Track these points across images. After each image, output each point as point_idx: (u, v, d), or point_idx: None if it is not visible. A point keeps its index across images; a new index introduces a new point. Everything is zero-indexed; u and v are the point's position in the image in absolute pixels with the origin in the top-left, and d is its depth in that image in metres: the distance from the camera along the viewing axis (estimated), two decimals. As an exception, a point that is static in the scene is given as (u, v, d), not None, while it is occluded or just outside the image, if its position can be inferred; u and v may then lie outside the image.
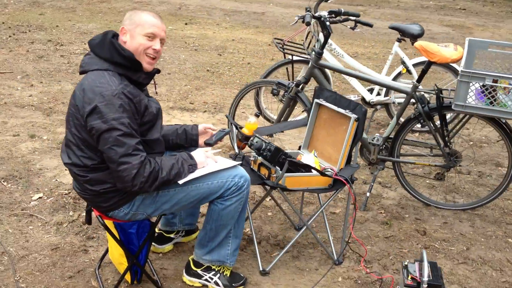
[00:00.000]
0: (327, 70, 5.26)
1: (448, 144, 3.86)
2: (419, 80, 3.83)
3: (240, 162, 2.98)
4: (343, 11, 4.07)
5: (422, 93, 3.99)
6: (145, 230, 2.87)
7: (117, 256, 2.91)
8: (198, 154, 2.82)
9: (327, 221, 3.56)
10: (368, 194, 3.98)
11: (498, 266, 3.38)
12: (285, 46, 4.72)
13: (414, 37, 5.05)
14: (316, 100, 3.43)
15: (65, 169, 4.26)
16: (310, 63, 4.06)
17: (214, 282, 3.00)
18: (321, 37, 4.93)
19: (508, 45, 3.93)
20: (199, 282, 3.03)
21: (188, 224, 3.39)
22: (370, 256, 3.39)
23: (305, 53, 4.58)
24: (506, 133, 3.71)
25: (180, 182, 2.70)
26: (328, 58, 5.24)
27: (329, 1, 5.20)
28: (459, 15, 12.27)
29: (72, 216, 3.65)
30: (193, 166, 2.75)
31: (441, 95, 3.72)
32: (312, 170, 3.09)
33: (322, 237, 3.53)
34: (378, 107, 5.46)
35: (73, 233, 3.46)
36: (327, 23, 3.93)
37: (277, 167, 3.05)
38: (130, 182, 2.54)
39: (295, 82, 4.07)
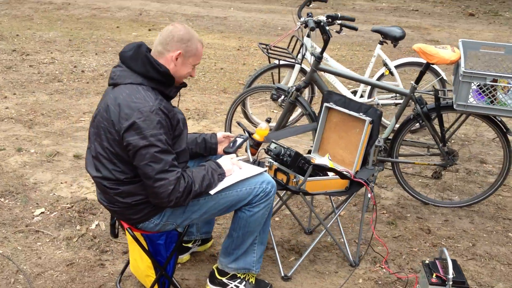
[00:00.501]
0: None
1: (446, 143, 3.98)
2: (417, 81, 3.93)
3: (266, 168, 2.98)
4: (339, 15, 4.14)
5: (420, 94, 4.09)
6: (172, 241, 2.84)
7: (144, 269, 2.87)
8: (225, 162, 2.81)
9: (340, 224, 3.60)
10: (369, 195, 4.04)
11: (505, 260, 3.50)
12: (270, 51, 4.76)
13: (395, 40, 5.17)
14: (326, 104, 3.47)
15: (61, 182, 4.18)
16: (310, 67, 4.10)
17: (241, 290, 2.99)
18: (306, 41, 5.00)
19: (499, 45, 4.08)
20: (225, 291, 3.02)
21: (205, 232, 3.37)
22: (384, 256, 3.45)
23: (290, 58, 4.62)
24: (501, 130, 3.85)
25: (212, 192, 2.69)
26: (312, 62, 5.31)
27: (311, 5, 5.28)
28: (413, 16, 12.61)
29: (80, 230, 3.57)
30: (222, 175, 2.75)
31: (439, 95, 3.83)
32: (329, 173, 3.13)
33: (333, 240, 3.57)
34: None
35: (85, 248, 3.39)
36: (327, 27, 3.98)
37: (296, 172, 3.07)
38: (167, 198, 2.51)
39: (295, 87, 4.10)
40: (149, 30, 9.94)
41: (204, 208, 2.77)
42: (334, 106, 3.43)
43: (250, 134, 3.31)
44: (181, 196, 2.54)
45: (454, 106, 3.63)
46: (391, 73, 5.35)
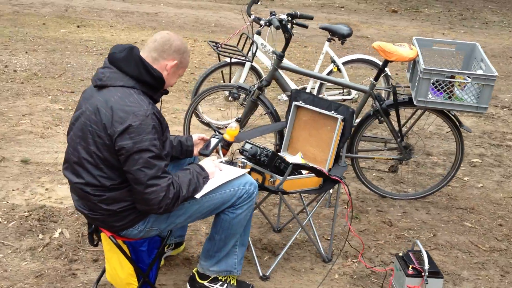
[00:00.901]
0: (259, 69, 5.37)
1: (403, 138, 4.10)
2: (376, 78, 4.03)
3: (248, 170, 2.96)
4: (299, 13, 4.17)
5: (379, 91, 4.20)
6: (155, 246, 2.78)
7: (125, 277, 2.77)
8: (208, 164, 2.78)
9: (312, 221, 3.64)
10: (331, 191, 4.11)
11: (465, 249, 3.66)
12: (220, 49, 4.74)
13: (343, 37, 5.26)
14: (294, 102, 3.50)
15: (13, 190, 3.98)
16: (271, 65, 4.11)
17: (223, 292, 2.97)
18: (257, 39, 5.01)
19: (450, 42, 4.25)
20: (206, 294, 2.98)
21: (179, 236, 3.31)
22: (354, 250, 3.52)
23: (241, 56, 4.61)
24: (454, 124, 4.02)
25: (198, 196, 2.65)
26: (263, 59, 5.33)
27: (259, 3, 5.30)
28: (340, 13, 12.90)
29: (43, 239, 3.41)
30: (207, 178, 2.72)
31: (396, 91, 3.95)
32: (303, 172, 3.16)
33: (303, 237, 3.61)
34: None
35: (52, 258, 3.24)
36: (288, 25, 4.00)
37: (273, 172, 3.08)
38: (157, 205, 2.46)
39: (257, 85, 4.10)
40: (78, 27, 9.59)
41: (188, 212, 2.72)
42: (304, 105, 3.46)
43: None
44: (170, 202, 2.49)
45: (415, 102, 3.75)
46: (339, 69, 5.46)
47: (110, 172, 2.49)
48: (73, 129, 2.58)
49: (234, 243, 2.90)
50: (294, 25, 4.52)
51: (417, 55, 3.85)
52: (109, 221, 2.61)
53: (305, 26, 4.55)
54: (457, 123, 4.00)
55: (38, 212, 3.70)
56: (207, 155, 3.01)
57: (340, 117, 3.25)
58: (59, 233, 3.50)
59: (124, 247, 2.68)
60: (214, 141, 3.08)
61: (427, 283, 2.94)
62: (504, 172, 4.86)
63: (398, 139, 4.08)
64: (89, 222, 2.79)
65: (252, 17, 5.11)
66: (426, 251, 3.11)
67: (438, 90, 3.72)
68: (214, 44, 4.72)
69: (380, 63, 5.40)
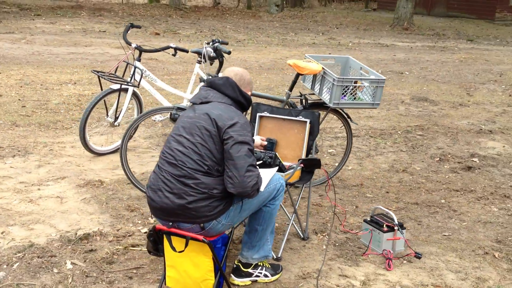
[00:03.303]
0: (140, 95, 5.82)
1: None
2: (290, 89, 4.90)
3: (277, 168, 3.59)
4: (220, 40, 4.83)
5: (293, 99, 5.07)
6: (223, 243, 3.23)
7: (201, 275, 3.16)
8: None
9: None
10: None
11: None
12: (107, 77, 5.19)
13: (211, 58, 5.98)
14: (259, 113, 4.17)
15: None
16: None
17: (264, 275, 3.52)
18: (138, 65, 5.50)
19: (331, 57, 5.33)
20: (250, 280, 3.50)
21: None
22: (323, 226, 4.33)
23: (124, 82, 5.16)
24: (345, 120, 5.10)
25: (262, 189, 3.21)
26: (144, 84, 5.76)
27: (140, 29, 5.77)
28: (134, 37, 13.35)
29: (61, 271, 3.50)
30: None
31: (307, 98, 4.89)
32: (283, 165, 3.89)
33: (283, 220, 4.28)
34: None
35: (90, 283, 3.38)
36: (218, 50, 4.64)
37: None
38: (251, 188, 3.06)
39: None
40: None
41: (252, 206, 3.28)
42: (268, 114, 4.16)
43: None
44: (258, 189, 3.12)
45: (331, 105, 4.71)
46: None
47: (208, 159, 3.08)
48: (178, 129, 3.21)
49: (270, 231, 3.50)
50: (177, 51, 5.28)
51: (322, 68, 4.82)
52: (201, 211, 3.08)
53: (186, 51, 5.26)
54: (347, 118, 5.08)
55: (31, 250, 3.70)
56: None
57: (307, 120, 4.05)
58: (71, 263, 3.59)
59: (211, 248, 3.08)
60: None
61: (402, 233, 3.94)
62: (356, 156, 6.13)
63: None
64: (156, 231, 3.14)
65: (134, 45, 5.56)
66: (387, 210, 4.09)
67: (343, 94, 4.76)
68: (102, 73, 5.14)
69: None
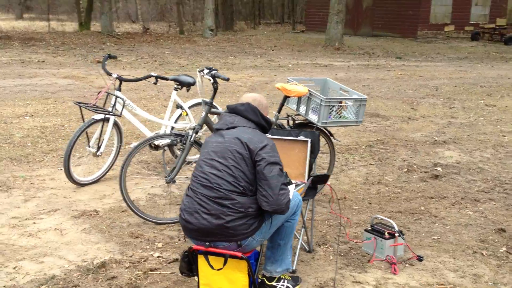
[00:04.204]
0: (120, 124, 5.92)
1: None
2: (279, 111, 5.16)
3: (294, 185, 3.81)
4: (212, 68, 5.04)
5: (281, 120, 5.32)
6: (255, 258, 3.42)
7: (238, 290, 3.34)
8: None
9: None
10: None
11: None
12: (90, 108, 5.32)
13: (189, 85, 6.17)
14: (261, 136, 4.39)
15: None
16: (203, 112, 4.85)
17: (287, 287, 3.72)
18: (120, 94, 5.63)
19: (310, 79, 5.63)
20: (274, 293, 3.70)
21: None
22: (329, 238, 4.57)
23: (106, 112, 5.33)
24: (328, 138, 5.41)
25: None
26: (125, 114, 5.85)
27: (116, 59, 5.87)
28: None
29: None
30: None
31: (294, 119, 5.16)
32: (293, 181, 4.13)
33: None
34: (165, 148, 6.34)
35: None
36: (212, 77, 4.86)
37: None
38: (285, 205, 3.29)
39: (193, 130, 4.76)
40: None
41: (279, 222, 3.49)
42: (270, 136, 4.39)
43: None
44: (289, 206, 3.34)
45: (319, 124, 4.99)
46: (187, 113, 6.31)
47: (243, 180, 3.28)
48: (208, 153, 3.37)
49: (290, 245, 3.72)
50: (157, 80, 5.45)
51: (308, 91, 5.11)
52: (238, 230, 3.26)
53: (166, 79, 5.46)
54: (329, 135, 5.38)
55: (53, 282, 3.74)
56: None
57: (308, 139, 4.31)
58: (99, 291, 3.66)
59: (248, 263, 3.27)
60: None
61: (403, 239, 4.25)
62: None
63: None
64: (191, 252, 3.30)
65: (115, 75, 5.69)
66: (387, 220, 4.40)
67: (330, 113, 5.07)
68: (85, 104, 5.27)
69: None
